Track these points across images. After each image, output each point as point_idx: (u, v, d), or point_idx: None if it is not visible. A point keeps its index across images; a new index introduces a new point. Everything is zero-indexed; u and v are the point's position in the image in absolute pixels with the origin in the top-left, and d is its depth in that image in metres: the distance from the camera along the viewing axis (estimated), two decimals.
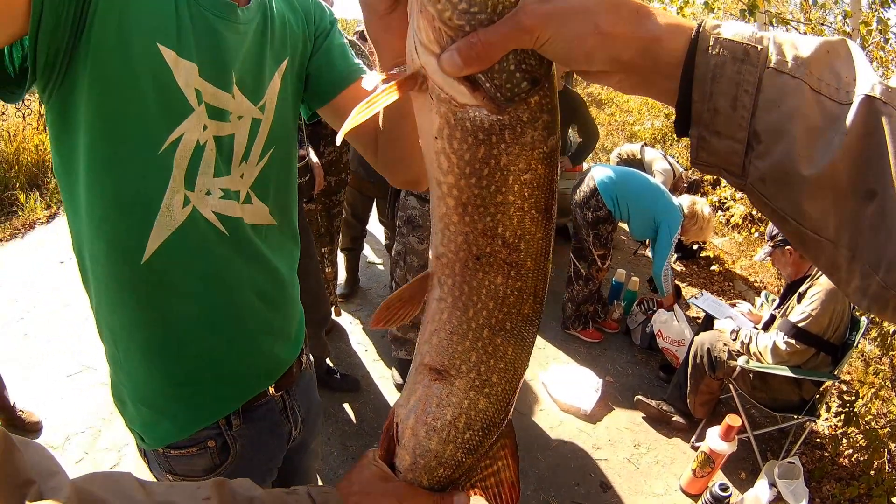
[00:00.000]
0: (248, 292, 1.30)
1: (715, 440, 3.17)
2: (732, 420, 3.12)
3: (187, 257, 1.17)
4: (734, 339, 3.59)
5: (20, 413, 3.57)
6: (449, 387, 0.84)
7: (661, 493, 3.39)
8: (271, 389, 1.42)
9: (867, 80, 0.54)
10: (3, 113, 7.36)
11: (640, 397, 3.98)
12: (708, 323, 4.28)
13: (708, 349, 3.60)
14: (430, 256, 0.80)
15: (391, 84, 0.67)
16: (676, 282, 5.02)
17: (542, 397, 4.13)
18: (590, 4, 0.59)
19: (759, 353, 3.40)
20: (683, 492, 3.40)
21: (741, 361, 3.40)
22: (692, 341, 3.79)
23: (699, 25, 0.58)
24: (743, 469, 3.59)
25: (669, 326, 4.36)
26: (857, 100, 0.53)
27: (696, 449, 3.60)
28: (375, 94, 0.67)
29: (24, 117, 7.55)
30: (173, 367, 1.27)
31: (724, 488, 2.79)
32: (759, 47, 0.56)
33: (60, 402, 3.78)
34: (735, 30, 0.57)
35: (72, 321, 4.58)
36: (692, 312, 5.28)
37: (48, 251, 5.73)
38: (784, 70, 0.55)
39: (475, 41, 0.60)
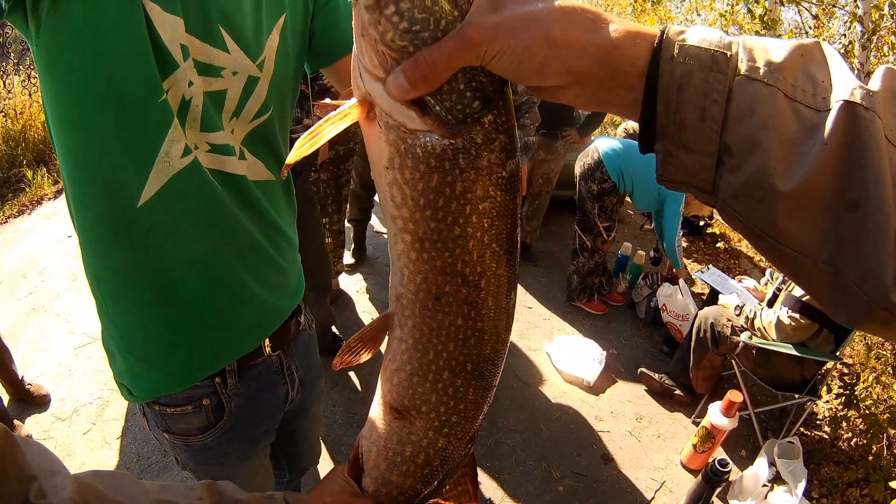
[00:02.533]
0: (245, 242, 1.29)
1: (716, 415, 3.18)
2: (734, 396, 3.13)
3: (184, 205, 1.15)
4: (738, 315, 3.59)
5: (28, 386, 3.57)
6: (409, 426, 0.84)
7: (662, 466, 3.42)
8: (268, 349, 1.42)
9: (846, 85, 0.51)
10: (10, 91, 7.33)
11: (643, 370, 4.00)
12: (713, 298, 4.28)
13: (712, 324, 3.59)
14: (391, 297, 0.78)
15: (338, 113, 0.65)
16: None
17: (545, 368, 4.15)
18: (539, 13, 0.55)
19: (764, 328, 3.40)
20: (684, 466, 3.42)
21: (744, 337, 3.39)
22: (696, 316, 3.78)
23: (662, 32, 0.55)
24: (743, 447, 3.61)
25: (674, 301, 4.36)
26: (836, 106, 0.50)
27: (697, 424, 3.62)
28: (320, 123, 0.65)
29: (30, 94, 7.51)
30: (164, 314, 1.25)
31: (723, 464, 2.79)
32: (729, 53, 0.52)
33: (69, 375, 3.81)
34: (701, 35, 0.54)
35: (79, 294, 4.63)
36: (697, 288, 5.27)
37: (55, 226, 5.76)
38: (756, 77, 0.51)
39: (420, 61, 0.57)
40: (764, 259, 6.32)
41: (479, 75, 0.60)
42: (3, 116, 7.00)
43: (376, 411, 0.88)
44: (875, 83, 0.52)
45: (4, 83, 7.30)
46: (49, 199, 6.43)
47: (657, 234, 4.69)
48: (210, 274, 1.25)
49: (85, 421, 3.45)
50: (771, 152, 0.50)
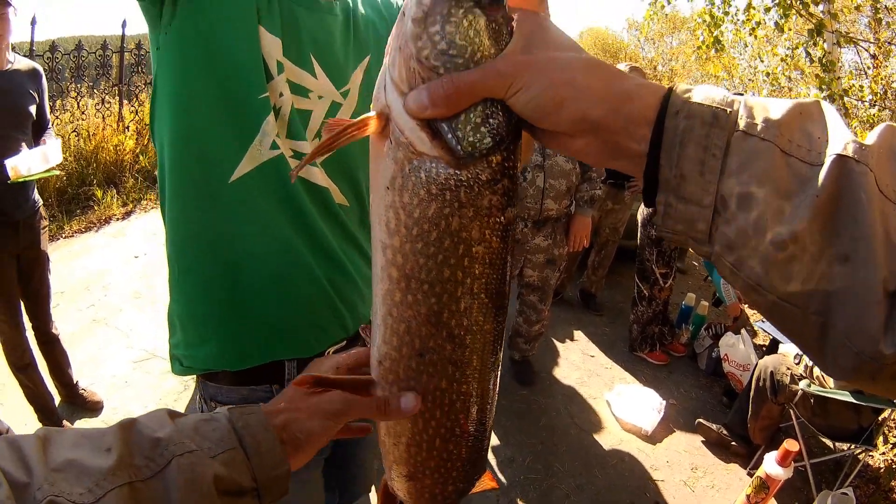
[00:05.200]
0: (321, 243, 1.33)
1: (771, 465, 3.14)
2: (790, 445, 3.10)
3: (268, 191, 1.23)
4: (798, 363, 3.59)
5: (82, 392, 3.72)
6: (421, 483, 0.86)
7: None
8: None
9: (840, 140, 0.52)
10: (84, 112, 7.71)
11: (701, 421, 4.02)
12: (773, 347, 4.27)
13: (771, 372, 3.58)
14: (372, 365, 0.80)
15: (354, 122, 0.66)
16: (741, 306, 5.02)
17: (604, 416, 4.22)
18: (569, 60, 0.59)
19: (822, 375, 3.38)
20: None
21: (803, 385, 3.39)
22: (756, 365, 3.78)
23: (670, 89, 0.57)
24: (797, 499, 3.57)
25: (736, 350, 4.38)
26: (828, 160, 0.51)
27: (752, 476, 3.56)
28: (337, 131, 0.66)
29: (103, 118, 7.91)
30: (232, 288, 1.29)
31: None
32: (729, 111, 0.54)
33: (124, 387, 3.98)
34: (705, 93, 0.56)
35: (142, 310, 4.86)
36: (759, 339, 5.23)
37: (123, 245, 5.98)
38: (753, 133, 0.53)
39: (446, 82, 0.59)
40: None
41: (496, 113, 0.61)
42: (76, 136, 7.34)
43: (389, 472, 0.90)
44: (871, 138, 0.53)
45: (79, 104, 7.70)
46: (117, 219, 6.68)
47: (706, 267, 4.65)
48: (284, 259, 1.29)
49: None
50: (764, 204, 0.52)
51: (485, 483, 0.96)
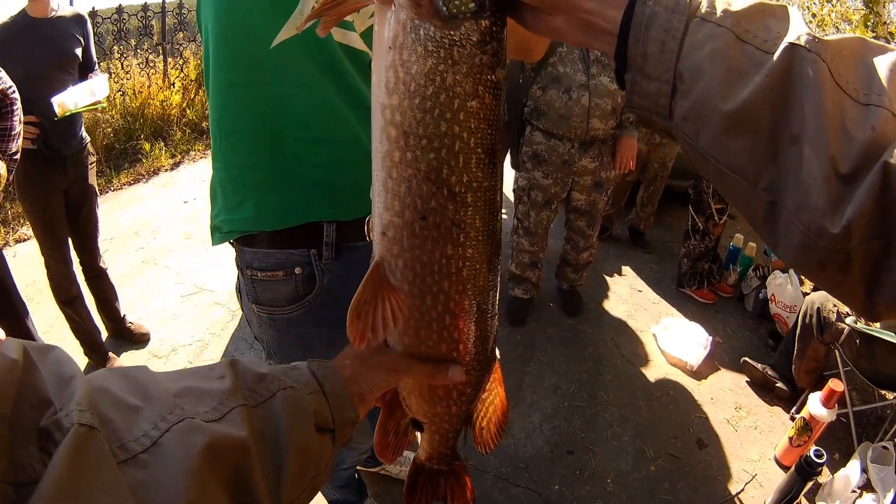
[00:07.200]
0: (361, 101, 1.33)
1: (816, 405, 3.14)
2: (835, 385, 3.10)
3: (309, 55, 1.26)
4: None
5: (129, 325, 3.85)
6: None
7: (756, 459, 3.41)
8: (370, 235, 1.50)
9: (795, 31, 0.56)
10: (128, 72, 7.90)
11: (746, 359, 3.98)
12: None
13: (818, 308, 3.51)
14: (375, 238, 0.80)
15: None
16: None
17: (650, 349, 4.23)
18: None
19: None
20: (777, 461, 3.39)
21: (849, 321, 3.33)
22: (803, 302, 3.71)
23: None
24: (838, 450, 3.52)
25: (783, 290, 4.30)
26: (781, 47, 0.55)
27: (795, 420, 3.56)
28: None
29: (148, 76, 8.11)
30: (275, 148, 1.31)
31: (818, 454, 2.72)
32: (692, 1, 0.60)
33: (172, 319, 4.11)
34: None
35: (191, 249, 4.99)
36: (806, 287, 5.02)
37: (172, 193, 6.09)
38: (710, 19, 0.58)
39: None
40: None
41: None
42: (122, 94, 7.52)
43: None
44: (833, 37, 0.57)
45: (123, 65, 7.88)
46: (165, 170, 6.80)
47: None
48: (327, 118, 1.31)
49: (181, 360, 3.71)
50: (716, 78, 0.57)
51: (495, 389, 0.97)
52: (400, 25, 0.67)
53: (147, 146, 7.03)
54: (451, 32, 0.66)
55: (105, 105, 3.57)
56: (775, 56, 0.54)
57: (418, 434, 1.02)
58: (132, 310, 4.07)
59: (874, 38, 5.96)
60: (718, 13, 0.58)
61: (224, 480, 0.59)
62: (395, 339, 0.87)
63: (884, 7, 6.36)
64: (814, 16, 7.58)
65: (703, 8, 0.59)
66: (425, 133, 0.70)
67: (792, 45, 0.54)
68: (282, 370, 0.78)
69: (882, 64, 0.55)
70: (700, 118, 0.59)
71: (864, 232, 0.51)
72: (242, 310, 1.55)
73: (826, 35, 0.56)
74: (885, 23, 6.35)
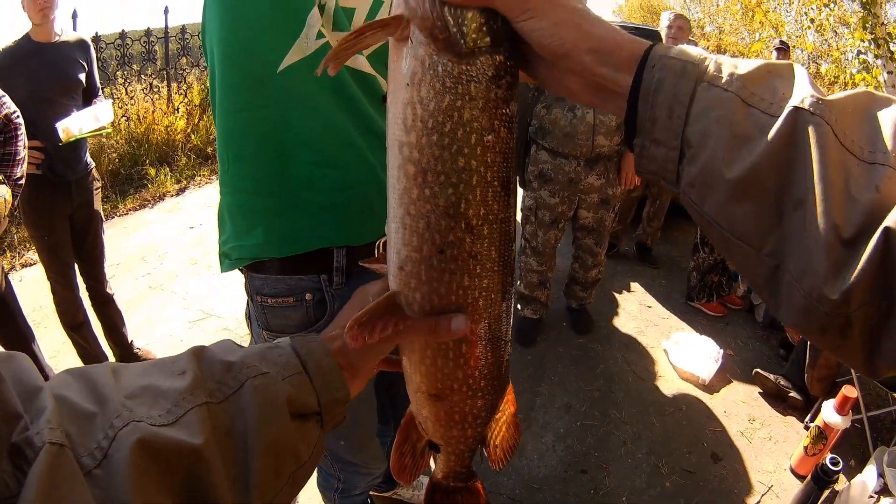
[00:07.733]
0: (370, 125, 1.33)
1: (830, 413, 3.12)
2: (849, 391, 3.07)
3: (318, 80, 1.25)
4: None
5: (136, 351, 3.79)
6: (450, 402, 0.86)
7: (771, 470, 3.38)
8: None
9: (800, 94, 0.56)
10: (132, 97, 7.93)
11: (758, 370, 3.95)
12: None
13: None
14: (391, 273, 0.79)
15: (378, 21, 0.69)
16: None
17: (662, 365, 4.20)
18: (582, 8, 0.65)
19: None
20: (793, 472, 3.35)
21: None
22: None
23: (652, 45, 0.64)
24: (853, 457, 3.49)
25: None
26: (785, 111, 0.55)
27: (809, 429, 3.52)
28: (361, 28, 0.69)
29: (152, 101, 8.14)
30: (282, 172, 1.30)
31: (834, 462, 2.70)
32: (699, 65, 0.60)
33: (180, 345, 3.98)
34: (682, 50, 0.62)
35: (198, 275, 4.97)
36: None
37: (177, 219, 6.10)
38: (717, 84, 0.58)
39: None
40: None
41: (497, 22, 0.67)
42: (126, 120, 7.55)
43: (415, 397, 0.89)
44: (838, 95, 0.57)
45: (127, 90, 7.93)
46: (171, 195, 6.80)
47: None
48: (335, 142, 1.30)
49: None
50: (721, 144, 0.57)
51: (508, 409, 0.96)
52: (418, 62, 0.68)
53: (152, 171, 7.04)
54: (468, 68, 0.67)
55: (109, 130, 3.58)
56: (780, 120, 0.55)
57: (432, 461, 1.01)
58: (139, 335, 4.04)
59: (873, 39, 5.97)
60: (725, 77, 0.59)
61: (170, 488, 0.57)
62: (411, 367, 0.85)
63: (881, 8, 6.39)
64: (812, 21, 7.64)
65: (711, 72, 0.59)
66: (444, 169, 0.70)
67: (796, 108, 0.54)
68: (259, 352, 0.75)
69: (887, 119, 0.55)
70: (706, 185, 0.59)
71: (865, 295, 0.51)
72: (252, 336, 1.53)
73: (832, 95, 0.56)
74: (882, 24, 6.39)
